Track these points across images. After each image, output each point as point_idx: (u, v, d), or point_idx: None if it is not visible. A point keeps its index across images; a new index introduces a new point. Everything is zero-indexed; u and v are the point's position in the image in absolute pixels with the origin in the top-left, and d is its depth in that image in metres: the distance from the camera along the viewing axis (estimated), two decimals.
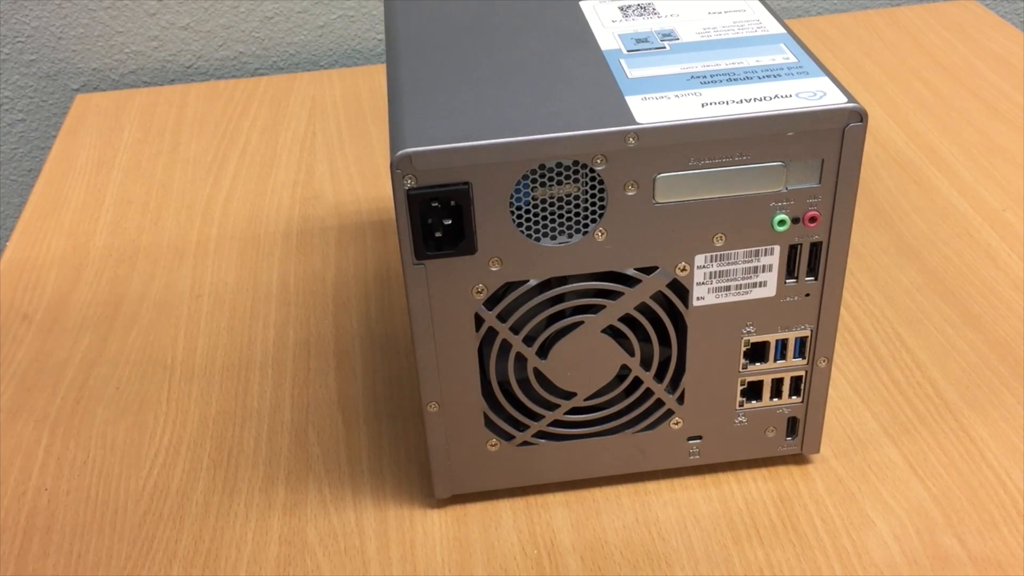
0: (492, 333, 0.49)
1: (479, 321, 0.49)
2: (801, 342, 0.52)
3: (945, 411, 0.60)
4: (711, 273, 0.49)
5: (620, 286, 0.49)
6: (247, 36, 1.05)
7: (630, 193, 0.46)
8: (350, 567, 0.53)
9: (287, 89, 0.99)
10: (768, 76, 0.47)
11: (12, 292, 0.74)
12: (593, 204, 0.46)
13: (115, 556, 0.54)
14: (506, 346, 0.50)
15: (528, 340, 0.50)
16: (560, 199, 0.46)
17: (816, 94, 0.45)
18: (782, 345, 0.52)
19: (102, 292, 0.73)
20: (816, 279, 0.50)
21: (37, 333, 0.70)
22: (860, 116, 0.45)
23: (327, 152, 0.89)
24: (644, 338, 0.51)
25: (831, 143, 0.46)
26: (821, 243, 0.49)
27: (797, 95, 0.45)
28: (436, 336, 0.49)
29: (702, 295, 0.49)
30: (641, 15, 0.53)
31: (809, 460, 0.57)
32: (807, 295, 0.50)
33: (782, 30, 0.51)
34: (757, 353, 0.52)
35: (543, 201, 0.46)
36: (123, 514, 0.56)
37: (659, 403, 0.53)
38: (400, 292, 0.72)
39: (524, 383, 0.51)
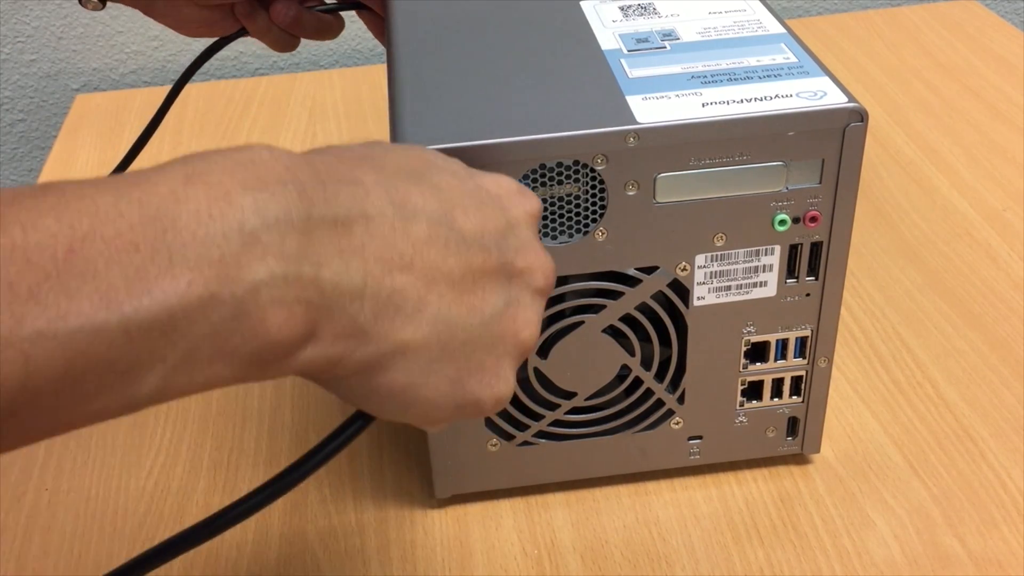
0: None
1: None
2: (801, 342, 0.52)
3: (945, 411, 0.60)
4: (711, 273, 0.49)
5: (621, 286, 0.49)
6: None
7: (631, 193, 0.46)
8: (350, 567, 0.53)
9: (287, 89, 0.99)
10: (768, 76, 0.47)
11: None
12: (594, 204, 0.46)
13: (115, 556, 0.54)
14: None
15: None
16: (561, 199, 0.46)
17: (816, 94, 0.45)
18: (782, 345, 0.52)
19: None
20: (816, 279, 0.50)
21: None
22: (860, 116, 0.45)
23: None
24: (644, 338, 0.51)
25: (831, 143, 0.46)
26: (821, 243, 0.49)
27: (797, 95, 0.45)
28: None
29: (702, 295, 0.49)
30: (641, 15, 0.53)
31: (809, 460, 0.57)
32: (807, 295, 0.50)
33: (782, 30, 0.51)
34: (757, 353, 0.52)
35: (544, 201, 0.46)
36: (123, 514, 0.56)
37: (659, 403, 0.53)
38: None
39: (524, 383, 0.51)
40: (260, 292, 0.28)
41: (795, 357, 0.52)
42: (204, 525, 0.33)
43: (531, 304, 0.36)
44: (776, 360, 0.52)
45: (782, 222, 0.47)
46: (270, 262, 0.29)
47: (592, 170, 0.45)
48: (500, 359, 0.35)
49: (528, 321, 0.36)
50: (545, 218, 0.46)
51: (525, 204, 0.37)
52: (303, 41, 0.63)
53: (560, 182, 0.45)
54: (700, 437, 0.54)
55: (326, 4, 0.62)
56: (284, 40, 0.62)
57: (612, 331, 0.50)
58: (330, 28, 0.62)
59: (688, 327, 0.50)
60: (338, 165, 0.33)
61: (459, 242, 0.34)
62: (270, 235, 0.29)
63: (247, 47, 1.05)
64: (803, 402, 0.54)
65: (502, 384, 0.36)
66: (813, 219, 0.48)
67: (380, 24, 0.63)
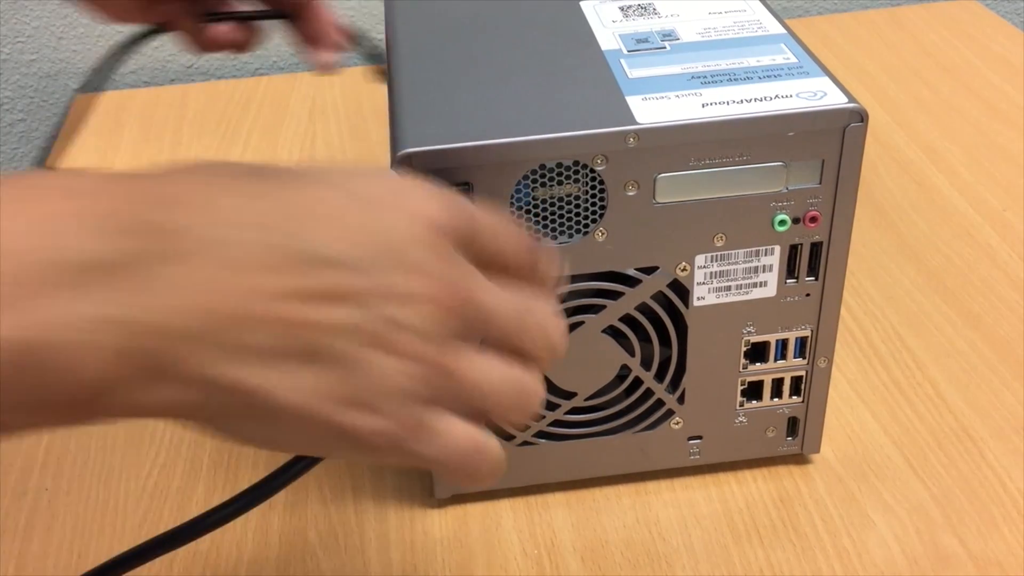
0: None
1: None
2: (801, 342, 0.52)
3: (945, 411, 0.60)
4: (711, 273, 0.49)
5: (620, 286, 0.49)
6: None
7: (630, 193, 0.46)
8: (350, 567, 0.53)
9: (287, 89, 0.99)
10: (768, 76, 0.47)
11: None
12: (594, 204, 0.46)
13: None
14: None
15: None
16: (561, 199, 0.46)
17: (816, 94, 0.45)
18: (782, 345, 0.52)
19: None
20: (816, 279, 0.50)
21: None
22: (860, 116, 0.45)
23: (327, 153, 0.89)
24: (644, 338, 0.51)
25: (831, 143, 0.46)
26: (821, 243, 0.49)
27: (798, 95, 0.45)
28: None
29: (702, 295, 0.49)
30: (641, 15, 0.53)
31: (809, 460, 0.57)
32: (807, 295, 0.50)
33: (782, 30, 0.51)
34: (757, 353, 0.52)
35: (543, 201, 0.46)
36: (123, 514, 0.56)
37: (659, 403, 0.53)
38: None
39: None
40: (72, 335, 0.27)
41: (795, 357, 0.52)
42: (175, 532, 0.33)
43: (419, 330, 0.32)
44: (776, 360, 0.52)
45: (782, 222, 0.47)
46: (86, 305, 0.27)
47: (592, 170, 0.45)
48: (403, 409, 0.32)
49: (408, 351, 0.32)
50: (545, 218, 0.46)
51: (432, 213, 0.33)
52: None
53: (560, 182, 0.45)
54: (700, 437, 0.54)
55: (241, 12, 0.58)
56: (202, 40, 0.59)
57: (612, 331, 0.50)
58: (245, 38, 0.59)
59: (688, 327, 0.50)
60: (188, 187, 0.30)
61: (312, 263, 0.31)
62: (89, 276, 0.27)
63: None
64: (803, 402, 0.54)
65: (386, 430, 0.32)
66: (813, 219, 0.48)
67: (301, 34, 0.58)
